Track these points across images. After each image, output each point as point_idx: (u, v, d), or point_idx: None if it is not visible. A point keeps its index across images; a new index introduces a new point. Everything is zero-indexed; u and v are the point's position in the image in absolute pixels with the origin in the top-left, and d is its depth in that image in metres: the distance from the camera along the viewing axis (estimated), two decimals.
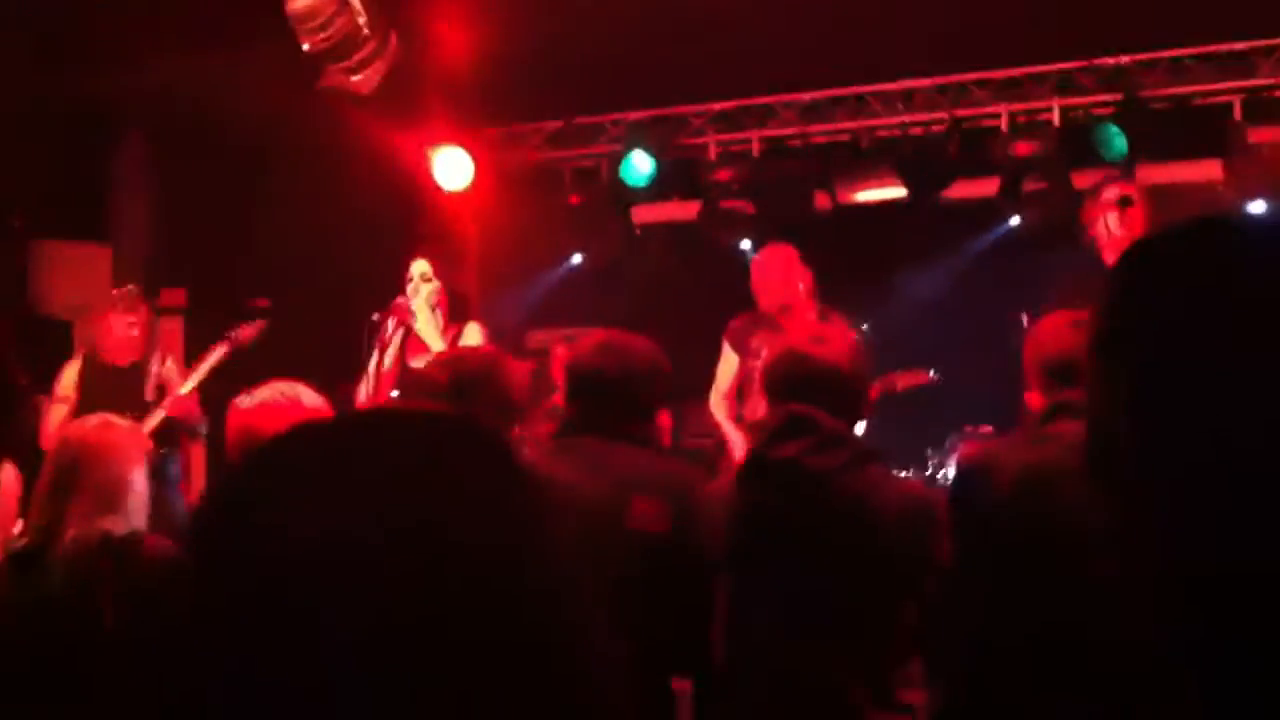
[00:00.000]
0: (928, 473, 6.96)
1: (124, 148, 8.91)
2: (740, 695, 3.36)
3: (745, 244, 8.64)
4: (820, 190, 8.55)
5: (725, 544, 3.40)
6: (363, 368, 6.04)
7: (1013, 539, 3.18)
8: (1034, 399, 3.39)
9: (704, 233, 8.85)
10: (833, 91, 8.61)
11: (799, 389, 3.42)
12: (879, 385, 6.81)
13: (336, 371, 6.46)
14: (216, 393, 6.84)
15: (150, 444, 5.82)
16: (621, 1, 6.89)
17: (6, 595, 3.61)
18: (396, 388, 5.98)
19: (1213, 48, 7.63)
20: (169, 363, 7.07)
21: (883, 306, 7.76)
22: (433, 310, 6.20)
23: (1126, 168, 7.47)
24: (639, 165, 8.75)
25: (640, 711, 3.44)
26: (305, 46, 6.21)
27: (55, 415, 6.81)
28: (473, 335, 6.15)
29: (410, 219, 9.05)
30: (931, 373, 7.05)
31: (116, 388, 6.87)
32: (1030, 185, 7.97)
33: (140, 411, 6.73)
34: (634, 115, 9.10)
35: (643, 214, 9.39)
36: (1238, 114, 7.61)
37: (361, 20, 6.23)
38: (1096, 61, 7.90)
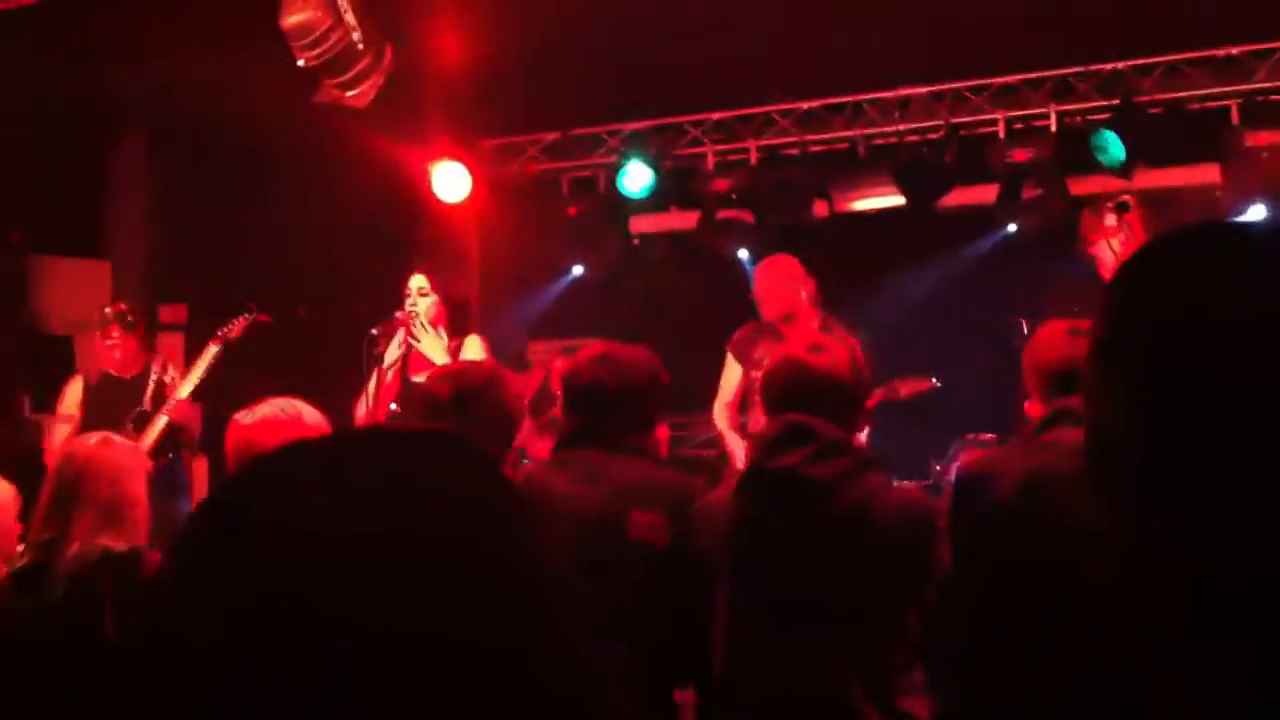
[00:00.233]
0: (930, 481, 6.96)
1: (122, 163, 8.92)
2: (741, 705, 3.36)
3: (743, 253, 8.64)
4: (818, 199, 8.56)
5: (725, 554, 3.40)
6: (362, 382, 6.04)
7: (1014, 545, 3.19)
8: (1033, 407, 3.40)
9: (702, 242, 8.85)
10: (830, 100, 8.62)
11: (798, 398, 3.42)
12: (882, 392, 6.82)
13: (337, 384, 6.47)
14: (217, 407, 6.86)
15: (150, 462, 5.86)
16: (617, 13, 6.90)
17: (9, 611, 3.62)
18: (397, 402, 5.99)
19: (1209, 52, 7.63)
20: (171, 371, 7.06)
21: (882, 314, 7.76)
22: (431, 325, 6.20)
23: (1124, 173, 7.47)
24: (638, 176, 8.76)
25: None
26: (300, 62, 6.21)
27: (59, 433, 6.80)
28: (473, 348, 6.16)
29: (410, 231, 9.07)
30: (934, 379, 7.05)
31: (119, 401, 6.87)
32: (1029, 192, 7.98)
33: (140, 417, 6.74)
34: (631, 126, 9.11)
35: (641, 224, 9.40)
36: (1235, 118, 7.62)
37: (356, 35, 6.23)
38: (1093, 67, 7.90)
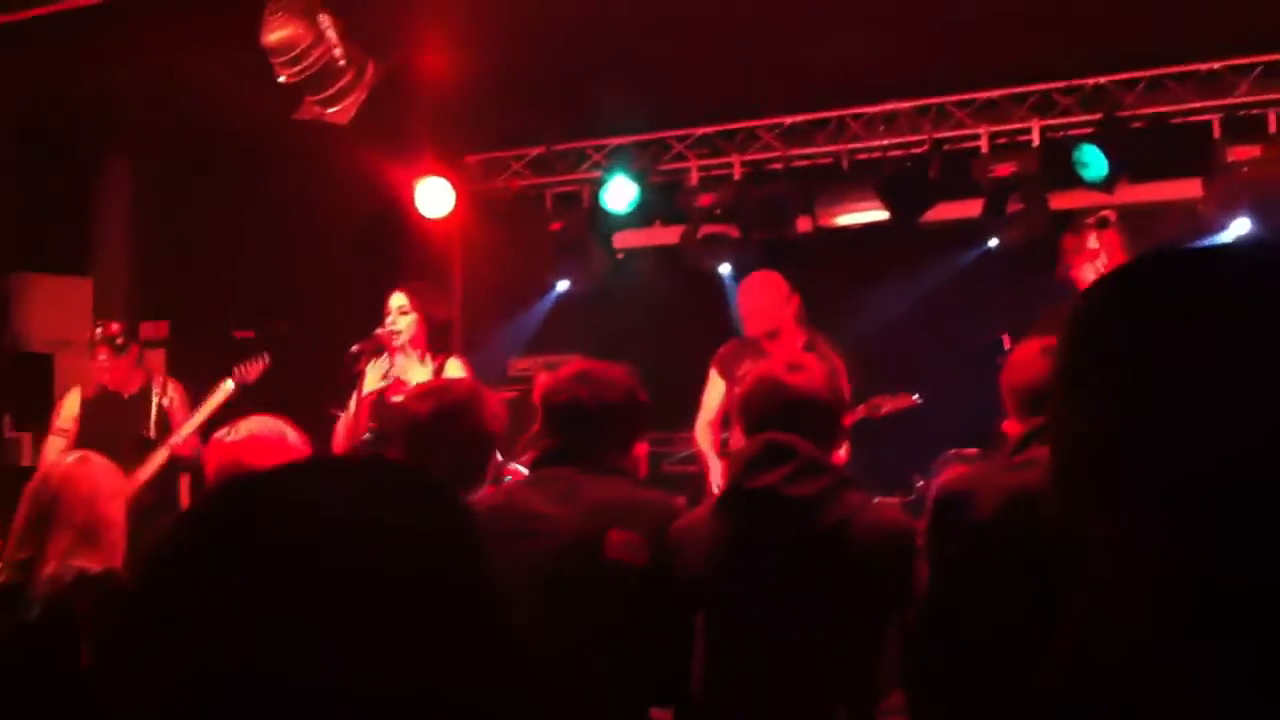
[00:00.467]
0: (913, 497, 6.95)
1: (105, 180, 8.90)
2: None
3: (725, 269, 8.63)
4: (803, 214, 8.56)
5: (704, 574, 3.39)
6: (343, 400, 6.01)
7: (995, 563, 3.18)
8: (1011, 425, 3.40)
9: (687, 257, 8.84)
10: (814, 115, 8.62)
11: (776, 417, 3.41)
12: (864, 409, 6.81)
13: (319, 401, 6.45)
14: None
15: (131, 483, 5.84)
16: (601, 27, 6.90)
17: None
18: (376, 421, 5.96)
19: (1192, 67, 7.65)
20: (171, 392, 7.02)
21: (866, 329, 7.76)
22: (411, 344, 6.17)
23: (1107, 187, 7.49)
24: (623, 192, 8.76)
25: None
26: (281, 79, 6.20)
27: (53, 446, 6.78)
28: (454, 370, 6.13)
29: (393, 247, 9.06)
30: (916, 397, 7.04)
31: (119, 418, 6.85)
32: (1014, 206, 7.99)
33: (143, 442, 6.71)
34: (615, 140, 9.11)
35: (625, 239, 9.40)
36: (1217, 133, 7.64)
37: (337, 51, 6.22)
38: (1076, 82, 7.92)
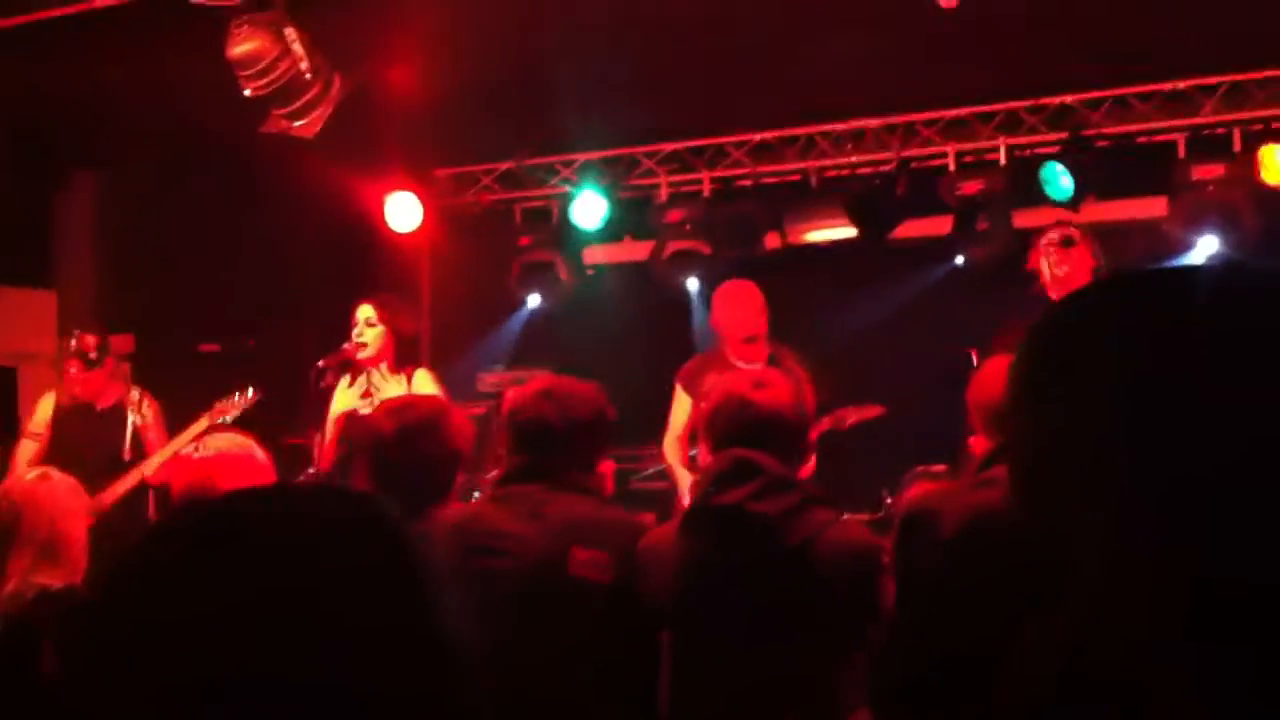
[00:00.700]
0: (881, 514, 6.95)
1: (69, 193, 8.84)
2: None
3: (692, 284, 8.63)
4: (771, 230, 8.57)
5: (671, 592, 3.38)
6: (308, 414, 5.97)
7: (961, 581, 3.18)
8: (978, 442, 3.41)
9: (656, 273, 8.84)
10: (783, 131, 8.64)
11: (741, 434, 3.41)
12: (829, 421, 6.82)
13: (284, 416, 6.42)
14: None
15: (98, 503, 5.79)
16: (570, 44, 6.90)
17: None
18: (343, 435, 5.93)
19: (1157, 86, 7.71)
20: (145, 410, 6.90)
21: (834, 346, 7.76)
22: (377, 357, 6.13)
23: (1072, 206, 7.52)
24: (592, 208, 8.76)
25: None
26: (247, 91, 6.17)
27: (25, 451, 6.71)
28: (423, 382, 6.09)
29: (360, 261, 9.03)
30: (881, 407, 7.07)
31: (91, 430, 6.76)
32: (983, 224, 8.03)
33: (115, 459, 6.63)
34: (584, 156, 9.11)
35: (594, 254, 9.38)
36: (1182, 151, 7.69)
37: (304, 64, 6.20)
38: (1042, 100, 7.97)
